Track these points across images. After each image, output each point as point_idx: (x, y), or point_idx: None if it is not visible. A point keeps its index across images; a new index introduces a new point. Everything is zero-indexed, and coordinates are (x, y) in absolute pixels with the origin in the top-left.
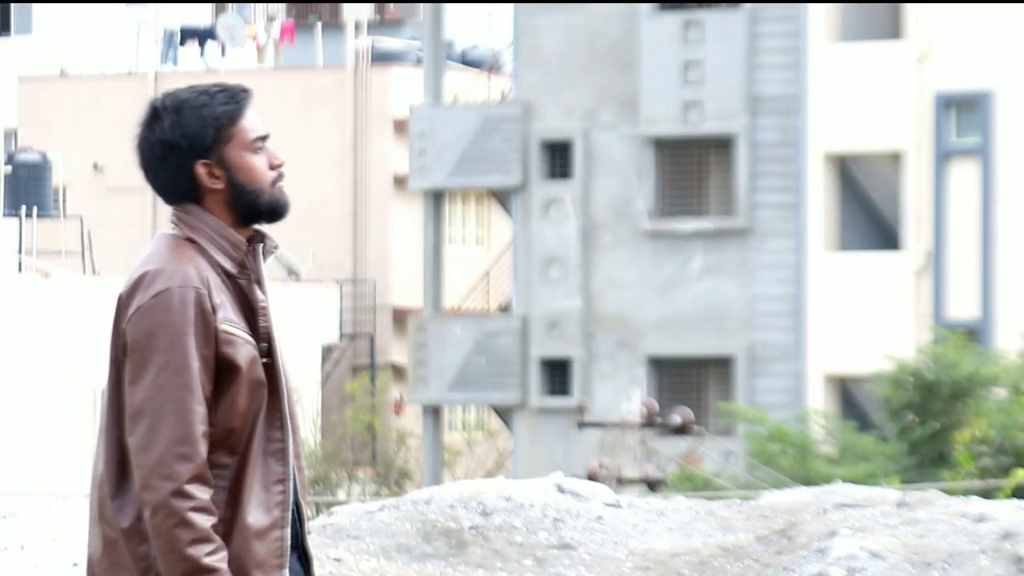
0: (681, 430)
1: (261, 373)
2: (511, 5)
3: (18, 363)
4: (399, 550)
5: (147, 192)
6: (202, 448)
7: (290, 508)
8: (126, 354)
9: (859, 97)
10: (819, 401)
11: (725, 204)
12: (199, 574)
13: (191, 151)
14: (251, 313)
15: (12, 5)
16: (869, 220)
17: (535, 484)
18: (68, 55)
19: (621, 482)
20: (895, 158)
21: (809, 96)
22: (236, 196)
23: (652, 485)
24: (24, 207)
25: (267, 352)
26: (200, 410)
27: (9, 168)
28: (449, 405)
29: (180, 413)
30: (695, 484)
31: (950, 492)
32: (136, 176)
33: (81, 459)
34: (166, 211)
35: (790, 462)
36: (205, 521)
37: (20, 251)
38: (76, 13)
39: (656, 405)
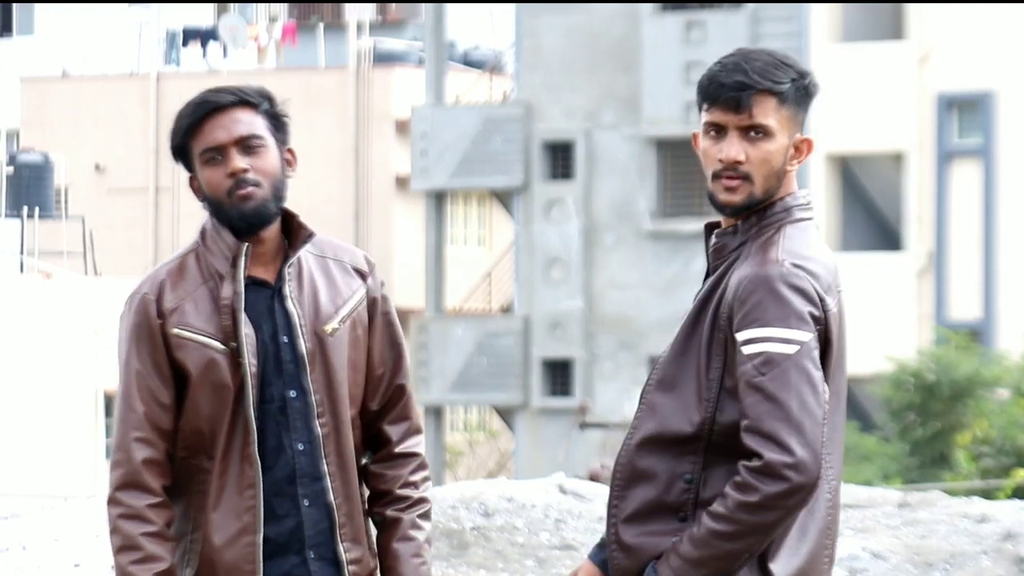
0: None
1: (222, 376)
2: (513, 6)
3: (20, 364)
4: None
5: (148, 193)
6: (136, 453)
7: (260, 514)
8: None
9: (861, 97)
10: None
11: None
12: None
13: (183, 165)
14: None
15: (14, 6)
16: (871, 220)
17: (537, 485)
18: (70, 56)
19: None
20: (897, 158)
21: None
22: (209, 208)
23: None
24: (26, 208)
25: (237, 353)
26: (135, 416)
27: (11, 169)
28: (451, 405)
29: (119, 420)
30: None
31: (952, 493)
32: (138, 177)
33: (83, 460)
34: (168, 212)
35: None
36: (133, 528)
37: (22, 252)
38: (78, 14)
39: None
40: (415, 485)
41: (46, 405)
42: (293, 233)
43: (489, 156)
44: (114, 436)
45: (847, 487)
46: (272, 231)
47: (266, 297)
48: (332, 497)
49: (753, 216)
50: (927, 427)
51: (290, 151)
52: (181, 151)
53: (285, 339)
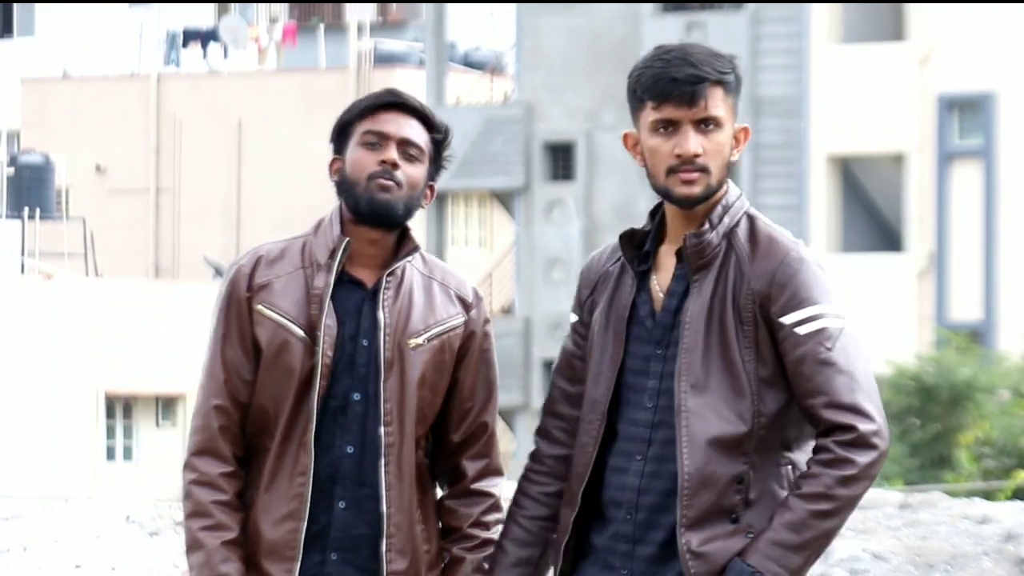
0: None
1: (292, 360)
2: (514, 6)
3: (20, 364)
4: None
5: (149, 193)
6: (213, 420)
7: (307, 501)
8: None
9: (862, 99)
10: None
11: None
12: (190, 546)
13: (334, 147)
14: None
15: (15, 6)
16: (872, 221)
17: None
18: (71, 57)
19: None
20: (898, 159)
21: (812, 98)
22: (341, 189)
23: None
24: (27, 209)
25: (314, 342)
26: (215, 384)
27: (12, 170)
28: None
29: (201, 386)
30: None
31: (952, 494)
32: (138, 178)
33: (83, 460)
34: (168, 213)
35: None
36: (205, 495)
37: (23, 252)
38: (79, 15)
39: None
40: (485, 526)
41: (47, 406)
42: (401, 245)
43: (490, 157)
44: (196, 402)
45: None
46: (389, 239)
47: (359, 298)
48: (385, 506)
49: (718, 208)
50: (927, 430)
51: (432, 188)
52: (344, 128)
53: (365, 342)
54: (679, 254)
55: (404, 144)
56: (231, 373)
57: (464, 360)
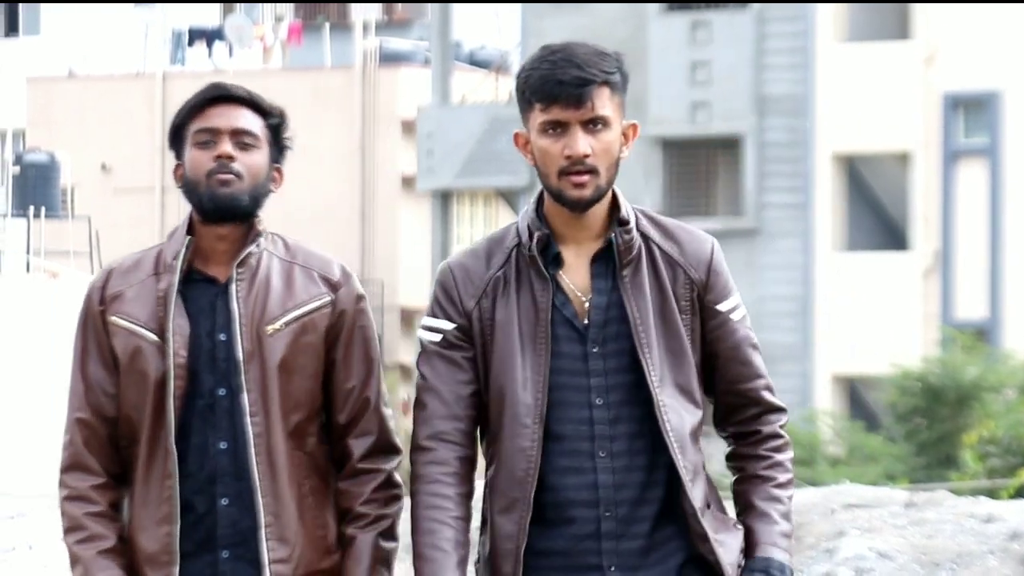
0: None
1: (145, 365)
2: (518, 6)
3: (25, 362)
4: (408, 551)
5: (155, 192)
6: (77, 434)
7: (176, 504)
8: None
9: (867, 97)
10: (827, 401)
11: (733, 204)
12: (71, 562)
13: (175, 153)
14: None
15: (20, 5)
16: (877, 220)
17: None
18: (76, 55)
19: None
20: (903, 158)
21: (817, 96)
22: (185, 191)
23: None
24: (32, 207)
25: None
26: (76, 399)
27: (17, 168)
28: None
29: (67, 404)
30: None
31: (958, 492)
32: (144, 176)
33: None
34: (174, 211)
35: (797, 463)
36: (76, 509)
37: (28, 251)
38: (84, 14)
39: None
40: (377, 502)
41: (51, 404)
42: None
43: (495, 156)
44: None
45: (853, 487)
46: (238, 231)
47: (212, 293)
48: (260, 496)
49: (623, 205)
50: (933, 430)
51: (279, 170)
52: (177, 133)
53: (222, 336)
54: (602, 253)
55: (237, 134)
56: (92, 388)
57: (337, 340)
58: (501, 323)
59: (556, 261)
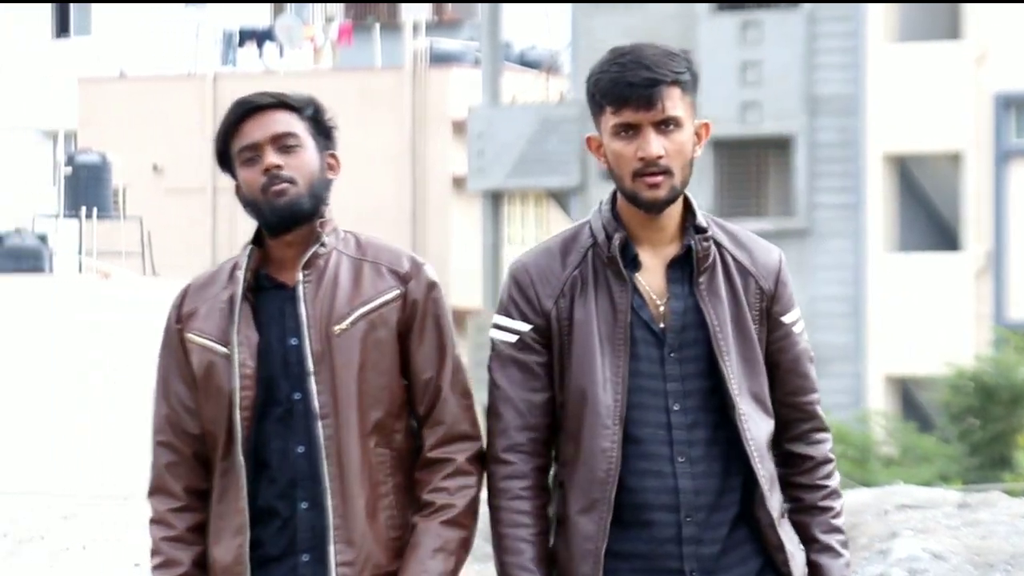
0: None
1: (219, 379)
2: (569, 6)
3: (78, 363)
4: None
5: (206, 193)
6: (160, 457)
7: (245, 514)
8: None
9: (918, 97)
10: (879, 402)
11: (784, 205)
12: None
13: (229, 174)
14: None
15: (72, 6)
16: (929, 220)
17: None
18: (127, 56)
19: None
20: (954, 158)
21: (868, 96)
22: (248, 210)
23: None
24: (84, 208)
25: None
26: (158, 420)
27: (69, 169)
28: None
29: (152, 422)
30: None
31: (1012, 493)
32: (195, 177)
33: (141, 459)
34: (226, 213)
35: (850, 463)
36: (156, 533)
37: (80, 252)
38: (135, 14)
39: None
40: (445, 491)
41: (104, 404)
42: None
43: (546, 156)
44: None
45: (906, 488)
46: (305, 234)
47: (281, 299)
48: (329, 499)
49: (697, 212)
50: (986, 430)
51: (333, 156)
52: (224, 157)
53: (293, 341)
54: (679, 258)
55: (277, 140)
56: (174, 407)
57: (410, 331)
58: (580, 323)
59: (634, 263)
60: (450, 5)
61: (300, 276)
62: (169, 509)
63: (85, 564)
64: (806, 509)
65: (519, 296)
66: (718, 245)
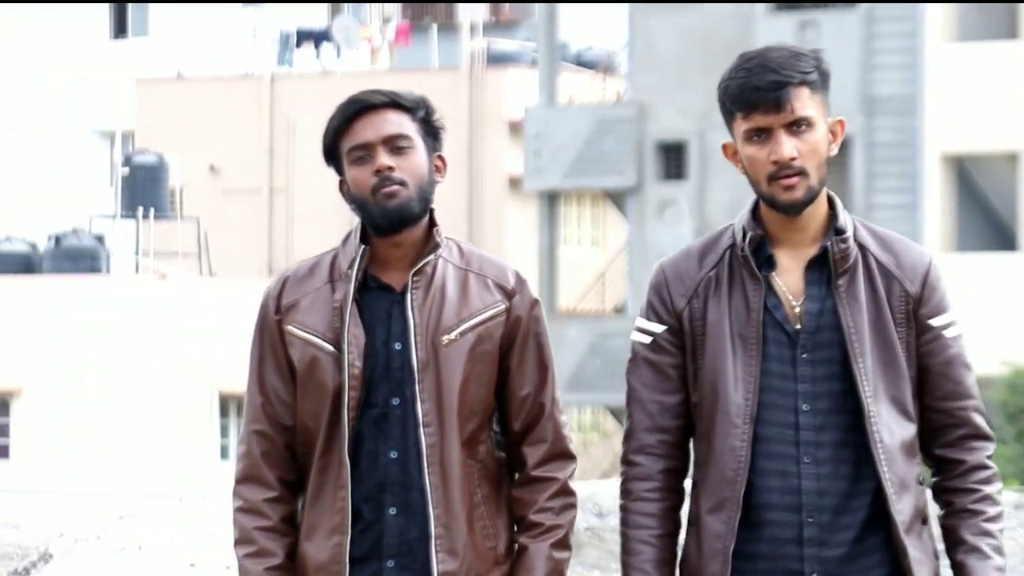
0: None
1: (323, 376)
2: (626, 6)
3: (135, 363)
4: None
5: (263, 194)
6: (255, 446)
7: (348, 514)
8: None
9: (976, 97)
10: None
11: (842, 204)
12: (240, 573)
13: (334, 169)
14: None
15: (129, 7)
16: (986, 221)
17: None
18: (185, 57)
19: None
20: (1012, 158)
21: (926, 96)
22: (355, 208)
23: None
24: (141, 208)
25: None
26: (253, 409)
27: (126, 170)
28: (564, 406)
29: (244, 413)
30: None
31: None
32: (252, 178)
33: (198, 459)
34: (282, 213)
35: None
36: (248, 522)
37: (137, 252)
38: (192, 15)
39: None
40: (551, 511)
41: (161, 405)
42: (427, 241)
43: (602, 156)
44: (242, 429)
45: None
46: (412, 236)
47: (388, 302)
48: (431, 507)
49: (840, 213)
50: None
51: (440, 158)
52: (332, 153)
53: (398, 346)
54: (818, 259)
55: (389, 142)
56: (269, 397)
57: (512, 347)
58: (713, 323)
59: (769, 263)
60: (507, 5)
61: (410, 281)
62: (264, 499)
63: (141, 564)
64: (956, 512)
65: (655, 297)
66: (862, 247)
